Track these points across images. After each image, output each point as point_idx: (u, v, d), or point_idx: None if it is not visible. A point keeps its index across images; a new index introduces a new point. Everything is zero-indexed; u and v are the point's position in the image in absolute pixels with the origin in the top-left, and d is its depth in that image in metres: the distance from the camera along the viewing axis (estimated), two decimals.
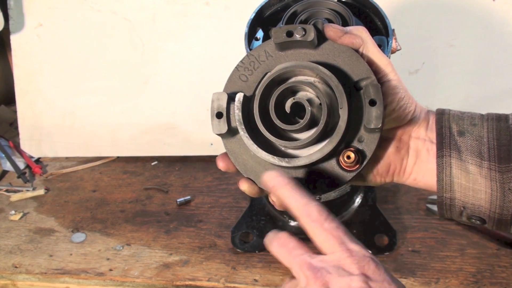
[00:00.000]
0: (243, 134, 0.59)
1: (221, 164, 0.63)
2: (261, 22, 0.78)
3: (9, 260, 1.02)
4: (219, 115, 0.60)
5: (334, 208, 0.98)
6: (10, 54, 1.38)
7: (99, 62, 1.30)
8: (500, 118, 0.62)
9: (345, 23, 0.71)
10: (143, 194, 1.20)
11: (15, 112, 1.38)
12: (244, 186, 0.62)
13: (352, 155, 0.57)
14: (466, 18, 1.15)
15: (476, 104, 1.17)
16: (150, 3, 1.26)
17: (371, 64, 0.59)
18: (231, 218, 1.08)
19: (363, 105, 0.57)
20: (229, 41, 1.22)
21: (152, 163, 1.30)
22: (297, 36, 0.58)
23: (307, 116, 0.57)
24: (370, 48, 0.60)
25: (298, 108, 0.60)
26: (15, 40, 1.33)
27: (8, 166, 1.31)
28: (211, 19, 1.23)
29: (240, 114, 0.59)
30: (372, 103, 0.56)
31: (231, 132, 0.60)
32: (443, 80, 1.17)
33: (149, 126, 1.29)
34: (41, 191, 1.22)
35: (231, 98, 0.60)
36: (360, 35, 0.59)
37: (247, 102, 0.60)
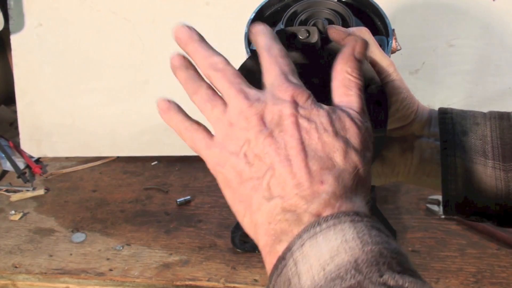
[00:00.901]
0: None
1: None
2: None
3: (9, 260, 1.02)
4: None
5: None
6: (10, 54, 1.38)
7: (99, 62, 1.30)
8: (503, 117, 0.62)
9: (345, 23, 0.70)
10: (143, 194, 1.20)
11: (15, 112, 1.38)
12: None
13: None
14: (466, 18, 1.15)
15: (476, 104, 1.17)
16: (150, 3, 1.26)
17: (374, 64, 0.60)
18: (231, 218, 1.08)
19: (369, 106, 0.57)
20: (229, 41, 1.22)
21: (152, 163, 1.30)
22: (301, 38, 0.58)
23: None
24: (373, 49, 0.60)
25: None
26: (15, 40, 1.33)
27: (8, 166, 1.31)
28: (211, 19, 1.23)
29: None
30: (377, 103, 0.56)
31: None
32: (443, 80, 1.17)
33: (149, 126, 1.29)
34: (41, 191, 1.22)
35: None
36: (362, 36, 0.60)
37: None
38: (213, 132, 0.49)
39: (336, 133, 0.44)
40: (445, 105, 1.22)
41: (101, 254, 1.02)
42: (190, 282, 0.94)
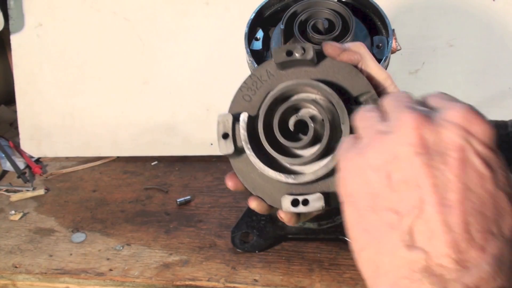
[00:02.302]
0: (249, 153, 0.61)
1: (230, 184, 0.63)
2: (261, 22, 0.78)
3: (9, 260, 1.02)
4: (225, 136, 0.62)
5: (327, 212, 0.98)
6: (10, 54, 1.38)
7: (99, 62, 1.30)
8: (499, 125, 0.62)
9: (345, 23, 0.71)
10: (143, 194, 1.20)
11: (15, 112, 1.38)
12: (253, 204, 0.62)
13: None
14: (466, 18, 1.15)
15: (476, 104, 1.17)
16: (150, 3, 1.26)
17: (370, 78, 0.60)
18: (231, 218, 1.08)
19: None
20: (229, 41, 1.22)
21: (152, 163, 1.30)
22: (297, 55, 0.59)
23: (310, 133, 0.58)
24: (369, 63, 0.60)
25: (302, 125, 0.60)
26: (15, 40, 1.33)
27: (8, 166, 1.30)
28: (211, 19, 1.23)
29: (245, 133, 0.61)
30: None
31: (238, 151, 0.62)
32: (443, 80, 1.17)
33: (149, 126, 1.29)
34: (41, 191, 1.22)
35: (236, 118, 0.61)
36: (358, 51, 0.60)
37: (251, 122, 0.61)
38: None
39: (510, 196, 0.34)
40: None
41: (101, 254, 1.02)
42: (190, 282, 0.94)
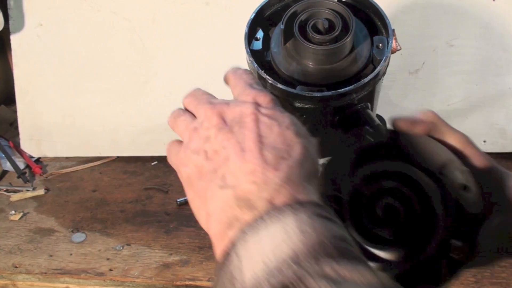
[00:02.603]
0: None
1: None
2: (261, 22, 0.78)
3: (9, 260, 1.02)
4: None
5: None
6: (10, 54, 1.38)
7: (99, 62, 1.30)
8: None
9: (345, 23, 0.70)
10: (143, 194, 1.20)
11: (15, 112, 1.38)
12: None
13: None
14: (466, 18, 1.15)
15: (476, 104, 1.17)
16: (150, 3, 1.26)
17: (447, 145, 0.57)
18: None
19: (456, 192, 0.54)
20: (229, 41, 1.22)
21: (152, 163, 1.30)
22: (371, 140, 0.56)
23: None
24: (443, 128, 0.58)
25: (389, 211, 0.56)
26: (15, 40, 1.33)
27: (8, 166, 1.30)
28: (211, 19, 1.23)
29: None
30: (465, 188, 0.53)
31: None
32: (443, 80, 1.17)
33: (149, 126, 1.29)
34: (41, 191, 1.22)
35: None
36: (430, 120, 0.58)
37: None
38: None
39: (297, 133, 0.47)
40: (445, 105, 1.23)
41: (101, 254, 1.02)
42: (190, 282, 0.94)
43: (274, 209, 0.40)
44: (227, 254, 0.41)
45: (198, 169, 0.46)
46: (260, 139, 0.45)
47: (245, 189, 0.42)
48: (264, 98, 0.49)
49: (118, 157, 1.34)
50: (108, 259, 1.01)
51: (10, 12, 1.32)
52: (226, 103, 0.49)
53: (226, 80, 0.59)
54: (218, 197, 0.44)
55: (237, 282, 0.38)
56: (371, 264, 0.53)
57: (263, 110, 0.47)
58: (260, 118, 0.46)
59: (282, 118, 0.47)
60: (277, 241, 0.38)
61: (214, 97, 0.53)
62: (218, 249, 0.43)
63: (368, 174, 0.56)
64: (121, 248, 1.03)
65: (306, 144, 0.46)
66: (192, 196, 0.47)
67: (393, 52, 0.72)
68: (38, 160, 1.36)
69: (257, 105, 0.48)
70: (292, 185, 0.42)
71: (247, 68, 0.77)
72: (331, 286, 0.35)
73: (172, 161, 0.51)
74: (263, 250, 0.38)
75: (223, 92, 1.26)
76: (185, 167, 0.48)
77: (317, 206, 0.42)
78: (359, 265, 0.37)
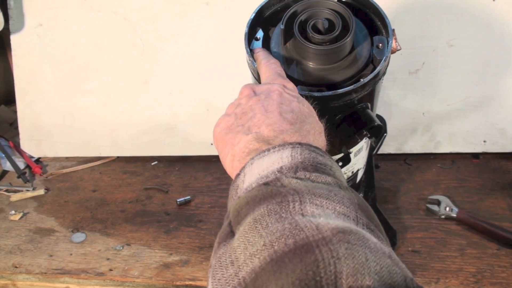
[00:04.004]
0: None
1: None
2: (261, 22, 0.78)
3: (9, 260, 1.02)
4: None
5: None
6: (10, 54, 1.38)
7: (99, 62, 1.30)
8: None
9: (345, 23, 0.70)
10: (143, 194, 1.20)
11: (15, 112, 1.38)
12: None
13: None
14: (466, 18, 1.15)
15: (476, 104, 1.17)
16: (150, 3, 1.26)
17: None
18: None
19: None
20: (229, 41, 1.22)
21: (152, 163, 1.30)
22: None
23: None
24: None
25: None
26: (15, 40, 1.33)
27: (8, 166, 1.31)
28: (211, 19, 1.23)
29: None
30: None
31: None
32: (443, 80, 1.17)
33: (149, 126, 1.29)
34: (41, 191, 1.22)
35: None
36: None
37: None
38: None
39: (312, 111, 0.59)
40: (444, 105, 1.23)
41: (101, 254, 1.02)
42: (190, 282, 0.94)
43: (280, 145, 0.51)
44: (237, 174, 0.52)
45: (227, 126, 0.57)
46: (280, 105, 0.56)
47: (265, 133, 0.54)
48: (290, 85, 0.60)
49: (118, 157, 1.34)
50: (108, 259, 1.01)
51: (10, 12, 1.32)
52: (258, 84, 0.61)
53: (255, 60, 0.70)
54: (242, 140, 0.54)
55: (239, 189, 0.51)
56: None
57: (287, 90, 0.59)
58: (283, 94, 0.58)
59: (302, 100, 0.59)
60: (272, 161, 0.50)
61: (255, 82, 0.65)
62: (236, 167, 0.54)
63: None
64: (121, 248, 1.03)
65: (318, 120, 0.58)
66: (222, 148, 0.57)
67: (393, 52, 0.72)
68: (38, 160, 1.36)
69: (283, 86, 0.59)
70: (299, 134, 0.54)
71: (247, 67, 0.77)
72: (297, 181, 0.46)
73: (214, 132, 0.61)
74: (261, 167, 0.50)
75: (223, 92, 1.27)
76: (217, 127, 0.59)
77: (313, 147, 0.52)
78: (328, 177, 0.48)
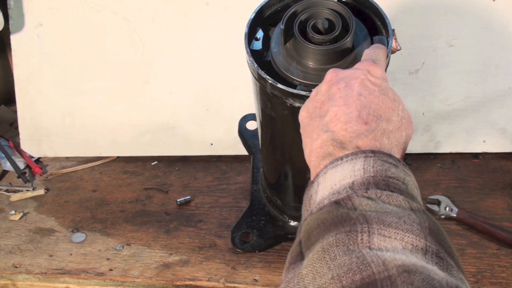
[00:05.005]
0: None
1: None
2: (261, 22, 0.78)
3: (9, 260, 1.02)
4: None
5: None
6: (10, 54, 1.38)
7: (99, 62, 1.30)
8: None
9: (345, 23, 0.71)
10: (143, 194, 1.20)
11: (15, 112, 1.38)
12: None
13: None
14: (466, 18, 1.15)
15: (476, 104, 1.17)
16: (150, 3, 1.26)
17: None
18: (231, 218, 1.08)
19: None
20: (229, 41, 1.22)
21: (152, 163, 1.30)
22: None
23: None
24: None
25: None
26: (15, 40, 1.33)
27: (8, 166, 1.31)
28: (211, 19, 1.23)
29: None
30: None
31: None
32: (443, 80, 1.17)
33: (149, 126, 1.29)
34: (41, 191, 1.22)
35: None
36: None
37: None
38: None
39: (394, 100, 0.57)
40: (444, 105, 1.23)
41: (101, 254, 1.02)
42: (190, 282, 0.94)
43: (353, 153, 0.51)
44: (312, 182, 0.53)
45: (309, 114, 0.59)
46: (359, 98, 0.55)
47: (339, 134, 0.54)
48: (376, 70, 0.58)
49: (118, 157, 1.34)
50: (108, 259, 1.01)
51: (10, 12, 1.32)
52: (344, 69, 0.60)
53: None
54: (320, 138, 0.55)
55: (312, 200, 0.52)
56: None
57: (370, 77, 0.57)
58: (365, 82, 0.56)
59: (385, 88, 0.57)
60: (345, 174, 0.50)
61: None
62: (312, 176, 0.55)
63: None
64: (121, 248, 1.03)
65: (398, 112, 0.56)
66: (304, 136, 0.59)
67: (393, 52, 0.72)
68: (38, 160, 1.36)
69: (367, 72, 0.58)
70: (373, 137, 0.53)
71: (247, 67, 0.77)
72: (367, 202, 0.46)
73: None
74: (333, 179, 0.51)
75: (223, 92, 1.27)
76: (302, 111, 0.60)
77: (387, 156, 0.51)
78: (399, 196, 0.47)
